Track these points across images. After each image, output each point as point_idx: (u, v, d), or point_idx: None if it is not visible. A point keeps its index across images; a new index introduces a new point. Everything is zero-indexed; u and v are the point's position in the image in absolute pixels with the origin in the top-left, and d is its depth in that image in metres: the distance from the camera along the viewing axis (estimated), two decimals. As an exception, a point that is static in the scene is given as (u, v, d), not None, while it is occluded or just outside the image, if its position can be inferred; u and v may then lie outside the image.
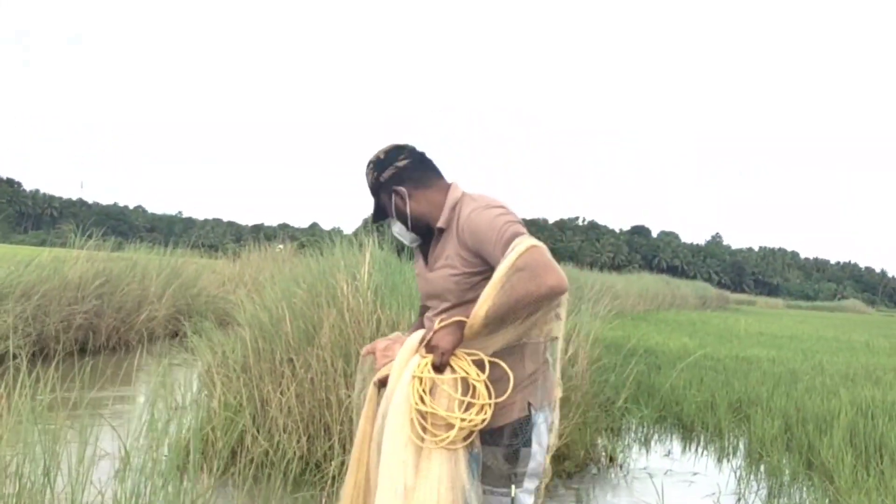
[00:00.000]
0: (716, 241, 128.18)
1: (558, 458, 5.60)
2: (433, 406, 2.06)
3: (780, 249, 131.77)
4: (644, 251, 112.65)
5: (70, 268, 10.00)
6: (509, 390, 2.16)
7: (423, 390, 2.08)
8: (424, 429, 2.06)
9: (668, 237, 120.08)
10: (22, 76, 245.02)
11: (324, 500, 3.63)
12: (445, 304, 2.36)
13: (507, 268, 2.07)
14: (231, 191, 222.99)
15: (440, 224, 2.38)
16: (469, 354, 2.15)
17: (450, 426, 2.05)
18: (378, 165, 2.47)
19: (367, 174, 2.51)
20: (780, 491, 5.51)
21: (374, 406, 2.26)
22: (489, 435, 2.23)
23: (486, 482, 2.23)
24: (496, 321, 2.10)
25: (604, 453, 6.22)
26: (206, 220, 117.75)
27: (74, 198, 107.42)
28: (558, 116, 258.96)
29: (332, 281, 5.96)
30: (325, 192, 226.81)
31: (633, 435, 7.13)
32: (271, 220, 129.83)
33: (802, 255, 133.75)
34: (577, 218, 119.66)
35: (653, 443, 7.06)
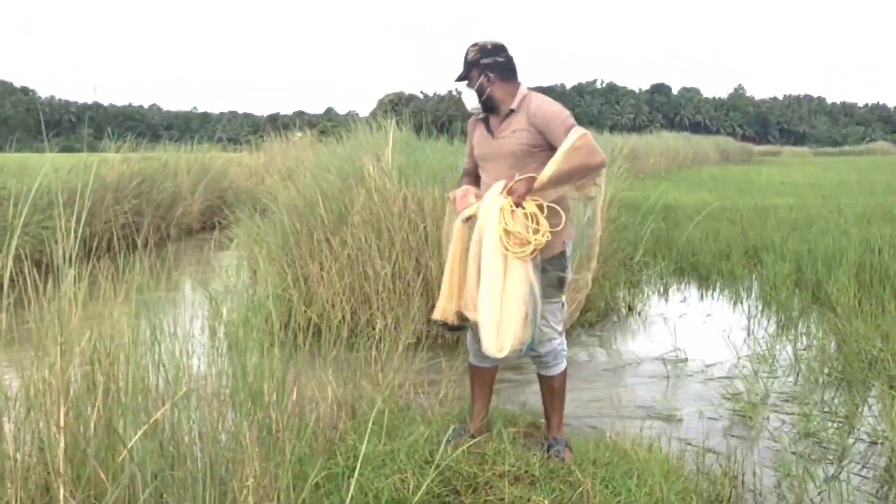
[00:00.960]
0: (739, 93, 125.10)
1: (580, 310, 6.09)
2: (516, 228, 3.00)
3: (805, 96, 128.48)
4: (665, 109, 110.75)
5: (108, 171, 10.44)
6: (562, 224, 3.13)
7: (507, 220, 3.01)
8: (507, 246, 2.99)
9: (690, 93, 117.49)
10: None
11: (374, 355, 4.12)
12: (505, 164, 3.24)
13: (568, 147, 3.00)
14: (244, 82, 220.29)
15: (512, 107, 3.27)
16: (534, 200, 3.07)
17: (524, 243, 3.00)
18: (483, 51, 3.31)
19: (471, 51, 3.33)
20: (787, 324, 5.99)
21: (462, 235, 3.19)
22: (545, 262, 3.17)
23: (546, 297, 3.17)
24: (555, 181, 3.04)
25: (623, 304, 6.71)
26: (221, 114, 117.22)
27: (90, 101, 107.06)
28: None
29: (358, 164, 6.32)
30: (337, 77, 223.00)
31: (651, 286, 7.60)
32: (286, 109, 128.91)
33: (829, 101, 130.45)
34: (595, 81, 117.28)
35: (670, 292, 7.53)
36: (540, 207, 3.07)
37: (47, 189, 7.04)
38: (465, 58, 3.34)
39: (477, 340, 3.28)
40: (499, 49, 3.33)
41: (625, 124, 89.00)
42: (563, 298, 3.32)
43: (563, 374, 3.42)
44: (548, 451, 3.30)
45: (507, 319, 2.98)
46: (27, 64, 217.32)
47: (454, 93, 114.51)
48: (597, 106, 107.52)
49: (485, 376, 3.47)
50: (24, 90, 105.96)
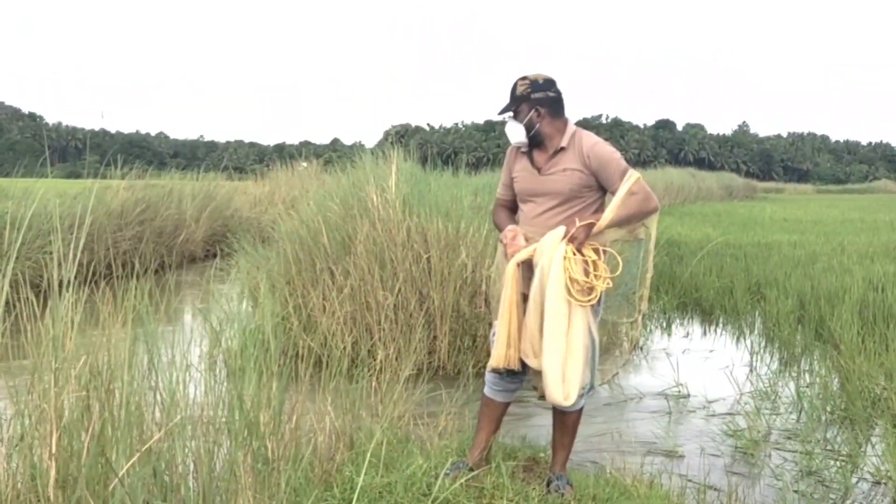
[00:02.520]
0: (743, 129, 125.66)
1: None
2: (580, 276, 3.00)
3: (809, 134, 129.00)
4: (670, 145, 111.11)
5: (112, 197, 10.48)
6: (620, 269, 3.13)
7: (572, 268, 3.00)
8: (573, 294, 2.99)
9: (694, 129, 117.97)
10: (37, 8, 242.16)
11: (374, 386, 4.08)
12: (552, 202, 3.20)
13: (626, 192, 3.06)
14: (251, 111, 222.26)
15: (563, 144, 3.21)
16: (591, 245, 3.08)
17: (588, 291, 3.02)
18: (534, 85, 3.24)
19: (521, 84, 3.25)
20: (790, 361, 5.94)
21: (516, 279, 3.13)
22: None
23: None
24: (613, 226, 3.09)
25: (626, 338, 6.67)
26: (228, 143, 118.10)
27: (97, 128, 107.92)
28: (577, 13, 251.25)
29: (362, 194, 6.33)
30: (343, 108, 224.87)
31: (654, 321, 7.56)
32: (293, 139, 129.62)
33: (833, 139, 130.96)
34: (600, 116, 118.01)
35: (673, 327, 7.49)
36: (596, 252, 3.08)
37: (49, 214, 7.04)
38: (514, 91, 3.27)
39: (510, 379, 3.30)
40: (550, 84, 3.27)
41: (630, 159, 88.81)
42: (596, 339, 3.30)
43: (580, 412, 3.34)
44: (548, 485, 3.25)
45: (571, 367, 3.00)
46: (35, 90, 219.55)
47: (460, 125, 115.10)
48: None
49: (496, 410, 3.39)
50: (32, 116, 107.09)
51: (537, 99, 3.22)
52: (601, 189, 3.22)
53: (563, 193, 3.19)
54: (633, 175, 3.09)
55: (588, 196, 3.20)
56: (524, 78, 3.27)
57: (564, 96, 3.31)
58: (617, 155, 3.20)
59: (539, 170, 3.27)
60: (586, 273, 3.03)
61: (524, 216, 3.33)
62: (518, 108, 3.25)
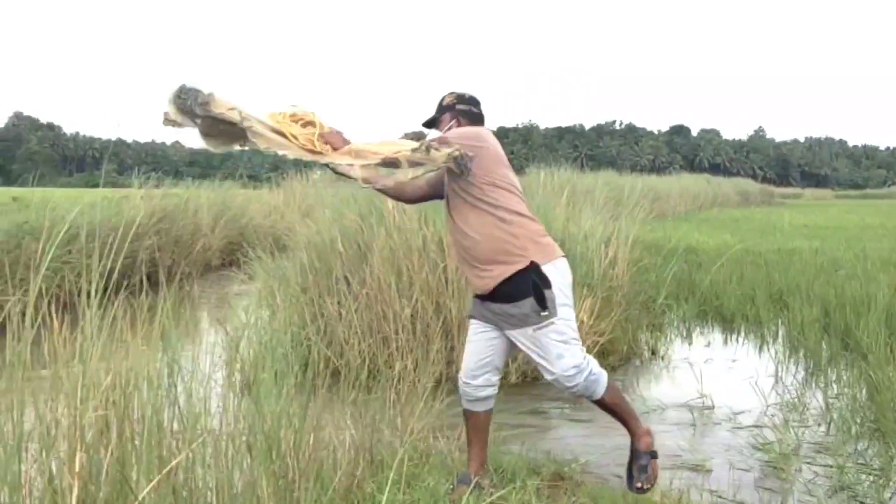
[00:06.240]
0: (759, 134, 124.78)
1: (602, 353, 5.98)
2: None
3: (827, 139, 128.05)
4: (685, 151, 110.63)
5: (130, 207, 10.49)
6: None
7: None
8: None
9: (709, 135, 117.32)
10: (51, 19, 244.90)
11: (393, 398, 4.02)
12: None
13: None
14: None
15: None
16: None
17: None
18: (461, 98, 3.40)
19: (449, 96, 3.41)
20: (816, 371, 5.82)
21: None
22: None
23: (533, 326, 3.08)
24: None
25: (646, 347, 6.58)
26: (243, 152, 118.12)
27: (114, 138, 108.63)
28: (589, 18, 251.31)
29: (378, 202, 6.28)
30: (355, 114, 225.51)
31: (674, 330, 7.46)
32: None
33: (851, 143, 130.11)
34: (614, 122, 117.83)
35: (694, 336, 7.39)
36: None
37: (69, 224, 7.04)
38: (440, 102, 3.41)
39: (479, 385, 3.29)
40: (475, 101, 3.43)
41: (644, 165, 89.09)
42: (554, 318, 3.04)
43: (610, 387, 3.22)
44: (630, 468, 3.22)
45: None
46: (54, 100, 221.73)
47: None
48: (616, 147, 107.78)
49: (479, 421, 3.34)
50: (50, 126, 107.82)
51: (461, 110, 3.36)
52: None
53: None
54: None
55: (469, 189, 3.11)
56: (454, 92, 3.44)
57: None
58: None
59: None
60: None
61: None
62: (441, 117, 3.39)
